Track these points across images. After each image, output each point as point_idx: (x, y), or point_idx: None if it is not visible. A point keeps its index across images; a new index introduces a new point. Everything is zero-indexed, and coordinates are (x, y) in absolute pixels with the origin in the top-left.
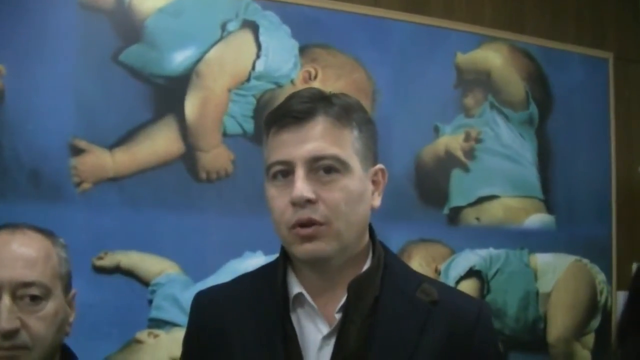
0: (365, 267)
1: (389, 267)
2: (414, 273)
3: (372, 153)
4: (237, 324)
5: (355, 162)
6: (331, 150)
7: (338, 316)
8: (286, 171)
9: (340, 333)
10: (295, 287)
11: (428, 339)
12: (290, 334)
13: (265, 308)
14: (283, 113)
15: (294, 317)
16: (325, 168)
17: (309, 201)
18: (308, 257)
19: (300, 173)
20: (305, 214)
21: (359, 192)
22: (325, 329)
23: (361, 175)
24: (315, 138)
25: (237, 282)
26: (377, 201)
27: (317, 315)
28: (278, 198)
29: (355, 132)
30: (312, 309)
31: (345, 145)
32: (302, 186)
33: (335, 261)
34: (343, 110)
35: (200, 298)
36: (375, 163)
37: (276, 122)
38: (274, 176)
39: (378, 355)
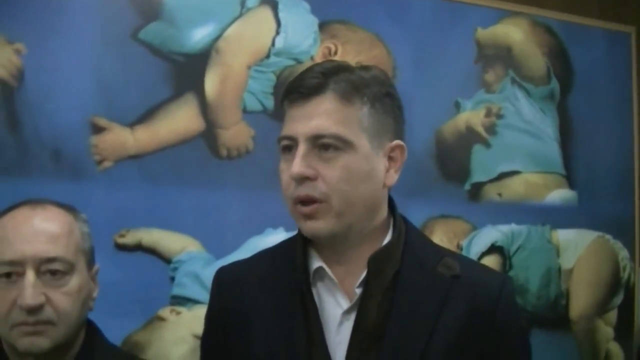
0: (385, 241)
1: (410, 241)
2: (436, 247)
3: (390, 129)
4: (257, 300)
5: (361, 140)
6: (333, 128)
7: (358, 291)
8: (292, 146)
9: (361, 308)
10: (316, 262)
11: (449, 313)
12: (310, 309)
13: (286, 283)
14: (293, 88)
15: (314, 292)
16: (325, 146)
17: (308, 178)
18: (309, 234)
19: (301, 150)
20: (304, 190)
21: (363, 170)
22: (345, 304)
23: (369, 153)
24: (319, 115)
25: (258, 258)
26: (392, 179)
27: (337, 289)
28: (285, 172)
29: (366, 109)
30: (333, 282)
31: (351, 123)
32: (300, 163)
33: (341, 238)
34: (352, 87)
35: (222, 274)
36: (395, 138)
37: (287, 97)
38: (283, 150)
39: (398, 329)
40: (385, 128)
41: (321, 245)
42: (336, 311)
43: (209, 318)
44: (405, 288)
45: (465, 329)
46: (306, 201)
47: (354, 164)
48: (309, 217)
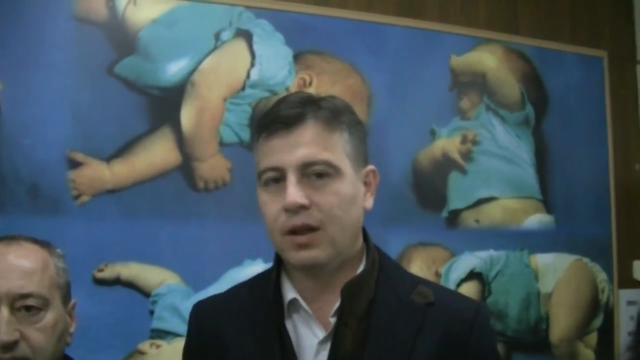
0: (359, 270)
1: (383, 269)
2: (410, 275)
3: (363, 154)
4: (234, 333)
5: (346, 165)
6: (322, 155)
7: (333, 320)
8: (278, 177)
9: (335, 337)
10: (290, 293)
11: (424, 340)
12: (285, 341)
13: (261, 316)
14: (273, 119)
15: (289, 323)
16: (317, 173)
17: (302, 207)
18: (304, 264)
19: (292, 179)
20: (300, 219)
21: (351, 195)
22: (320, 334)
23: (353, 177)
24: (305, 143)
25: (233, 291)
26: (369, 202)
27: (312, 320)
28: (271, 204)
29: (346, 135)
30: (307, 313)
31: (336, 148)
32: (294, 192)
33: (329, 266)
34: (332, 114)
35: (199, 308)
36: (366, 164)
37: (266, 128)
38: (266, 182)
39: (374, 358)
40: (361, 154)
41: (295, 275)
42: (312, 341)
43: (187, 350)
44: (380, 316)
45: (440, 356)
46: (301, 230)
47: (343, 189)
48: (304, 246)
